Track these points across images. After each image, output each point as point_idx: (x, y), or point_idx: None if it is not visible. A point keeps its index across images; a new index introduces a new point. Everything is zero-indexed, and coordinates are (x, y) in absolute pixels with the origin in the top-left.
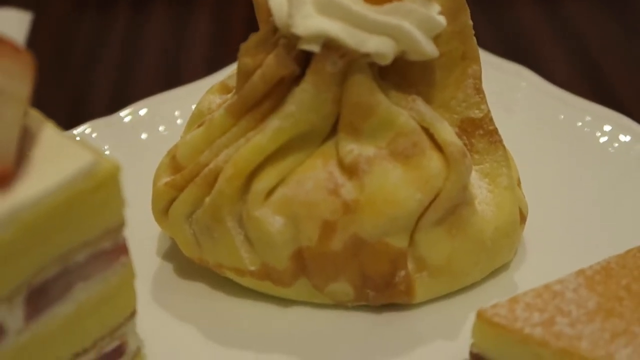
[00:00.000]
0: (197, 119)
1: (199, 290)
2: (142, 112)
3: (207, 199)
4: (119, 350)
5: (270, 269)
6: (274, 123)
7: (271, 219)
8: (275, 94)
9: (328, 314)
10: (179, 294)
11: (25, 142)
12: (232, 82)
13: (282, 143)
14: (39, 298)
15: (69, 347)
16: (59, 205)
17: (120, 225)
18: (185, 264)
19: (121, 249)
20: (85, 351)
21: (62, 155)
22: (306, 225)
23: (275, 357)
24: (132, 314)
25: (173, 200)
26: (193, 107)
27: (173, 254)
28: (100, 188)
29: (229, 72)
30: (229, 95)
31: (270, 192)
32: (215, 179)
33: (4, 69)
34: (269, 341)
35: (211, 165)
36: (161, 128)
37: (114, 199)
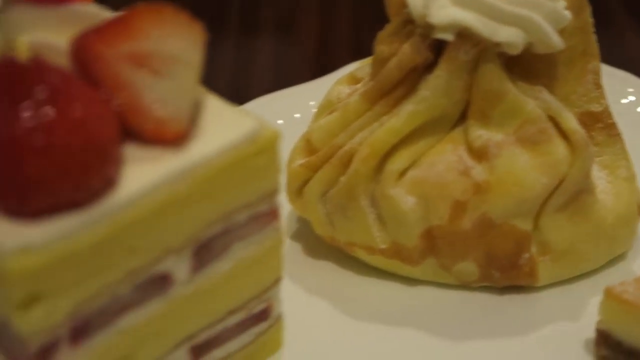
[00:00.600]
0: (326, 108)
1: (328, 268)
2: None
3: (342, 179)
4: (265, 313)
5: (400, 247)
6: (409, 107)
7: (404, 198)
8: (408, 81)
9: (452, 293)
10: (309, 272)
11: (195, 107)
12: (360, 74)
13: (415, 126)
14: (203, 253)
15: (225, 303)
16: (225, 165)
17: (276, 190)
18: (313, 244)
19: (275, 214)
20: (237, 309)
21: (227, 121)
22: (437, 204)
23: (401, 332)
24: (279, 279)
25: (307, 180)
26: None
27: (301, 235)
28: (261, 153)
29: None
30: (358, 85)
31: (402, 173)
32: (350, 160)
33: (181, 37)
34: (394, 318)
35: (346, 147)
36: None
37: (272, 164)
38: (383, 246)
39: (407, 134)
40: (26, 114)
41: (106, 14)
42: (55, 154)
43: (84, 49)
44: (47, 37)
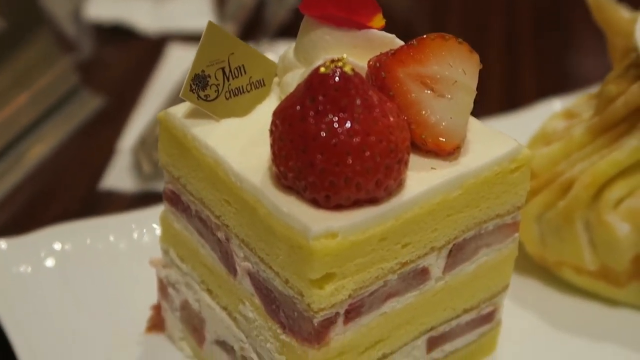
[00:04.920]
0: (541, 139)
1: (534, 285)
2: None
3: (561, 203)
4: (491, 316)
5: (608, 270)
6: (632, 142)
7: (619, 225)
8: (632, 118)
9: None
10: (517, 287)
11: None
12: (577, 109)
13: (636, 160)
14: (457, 254)
15: (464, 302)
16: (489, 178)
17: (522, 205)
18: (521, 263)
19: (516, 226)
20: (471, 309)
21: (490, 140)
22: None
23: (600, 350)
24: (507, 285)
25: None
26: None
27: None
28: (517, 170)
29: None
30: (574, 120)
31: (618, 203)
32: (570, 187)
33: (461, 64)
34: (594, 336)
35: (567, 175)
36: None
37: (524, 181)
38: (592, 268)
39: (627, 166)
40: (348, 120)
41: (396, 40)
42: (366, 155)
43: (382, 67)
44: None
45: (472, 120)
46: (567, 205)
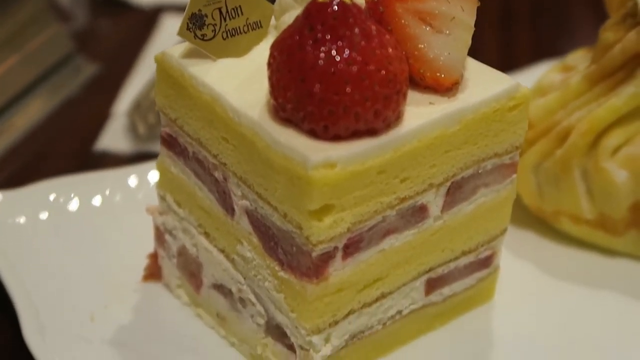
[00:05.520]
0: (537, 92)
1: (530, 237)
2: None
3: (559, 151)
4: (489, 260)
5: (606, 218)
6: (629, 89)
7: (616, 172)
8: (629, 66)
9: None
10: (513, 239)
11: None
12: (573, 62)
13: (633, 107)
14: (455, 193)
15: (462, 243)
16: (487, 114)
17: (520, 145)
18: (517, 215)
19: (514, 167)
20: (469, 251)
21: (488, 78)
22: None
23: (596, 299)
24: (505, 229)
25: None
26: None
27: None
28: (516, 108)
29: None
30: (570, 73)
31: (616, 150)
32: (567, 135)
33: (461, 3)
34: (591, 285)
35: (564, 123)
36: None
37: (523, 120)
38: (590, 217)
39: (625, 113)
40: (346, 49)
41: None
42: (365, 84)
43: (380, 2)
44: None
45: (470, 60)
46: (564, 154)
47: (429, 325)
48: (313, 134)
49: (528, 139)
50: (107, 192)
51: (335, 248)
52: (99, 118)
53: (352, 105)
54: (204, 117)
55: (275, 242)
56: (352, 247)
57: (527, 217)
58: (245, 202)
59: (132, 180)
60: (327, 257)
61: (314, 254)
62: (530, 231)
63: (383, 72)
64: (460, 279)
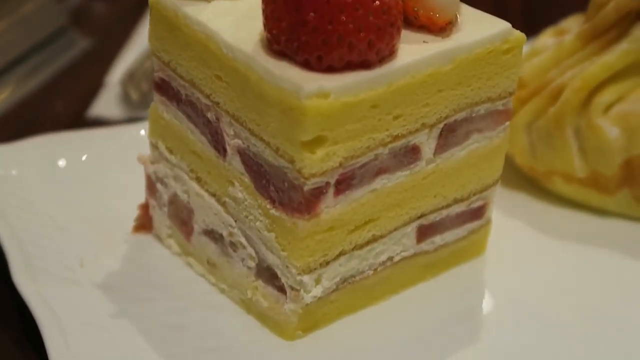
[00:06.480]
0: (531, 55)
1: (522, 198)
2: None
3: (552, 109)
4: (481, 211)
5: (598, 176)
6: (623, 46)
7: (609, 129)
8: (623, 24)
9: None
10: (504, 198)
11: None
12: (567, 26)
13: (626, 64)
14: (448, 136)
15: (454, 190)
16: (481, 55)
17: (513, 91)
18: (509, 176)
19: (508, 114)
20: (461, 199)
21: (482, 21)
22: None
23: (588, 258)
24: (497, 180)
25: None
26: None
27: None
28: (509, 51)
29: None
30: (563, 37)
31: (609, 107)
32: (560, 93)
33: None
34: (583, 245)
35: (557, 82)
36: None
37: (516, 64)
38: (582, 175)
39: (617, 71)
40: None
41: None
42: (359, 13)
43: None
44: None
45: (465, 6)
46: (557, 111)
47: (420, 275)
48: (307, 65)
49: (521, 98)
50: (100, 146)
51: (327, 183)
52: (93, 87)
53: (346, 35)
54: (197, 57)
55: (267, 180)
56: (344, 183)
57: (519, 178)
58: (237, 141)
59: (125, 136)
60: (318, 192)
61: (305, 188)
62: (522, 192)
63: (377, 2)
64: (452, 229)
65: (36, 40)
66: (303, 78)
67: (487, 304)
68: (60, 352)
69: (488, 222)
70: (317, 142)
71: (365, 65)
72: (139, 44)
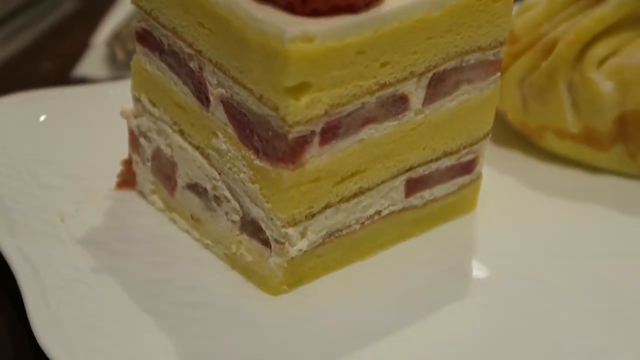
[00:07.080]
0: (524, 9)
1: (513, 155)
2: None
3: (544, 64)
4: (471, 165)
5: (591, 132)
6: None
7: (602, 82)
8: None
9: (633, 185)
10: (496, 155)
11: None
12: None
13: (620, 17)
14: (436, 86)
15: (443, 143)
16: (470, 1)
17: (504, 41)
18: (500, 134)
19: (498, 64)
20: (451, 153)
21: None
22: (635, 90)
23: (582, 215)
24: (488, 133)
25: (505, 68)
26: None
27: None
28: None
29: None
30: None
31: (602, 61)
32: (553, 47)
33: None
34: (576, 202)
35: (550, 35)
36: None
37: (507, 13)
38: (574, 130)
39: (611, 24)
40: None
41: None
42: None
43: None
44: None
45: None
46: (550, 65)
47: (408, 231)
48: (291, 8)
49: (513, 52)
50: (82, 104)
51: (312, 132)
52: (79, 48)
53: None
54: (179, 4)
55: (251, 130)
56: (329, 132)
57: (511, 135)
58: (220, 90)
59: (108, 93)
60: (303, 141)
61: (290, 136)
62: (514, 149)
63: None
64: (442, 183)
65: (22, 0)
66: (286, 21)
67: (477, 261)
68: (39, 307)
69: (478, 177)
70: (302, 88)
71: (352, 9)
72: (125, 4)
